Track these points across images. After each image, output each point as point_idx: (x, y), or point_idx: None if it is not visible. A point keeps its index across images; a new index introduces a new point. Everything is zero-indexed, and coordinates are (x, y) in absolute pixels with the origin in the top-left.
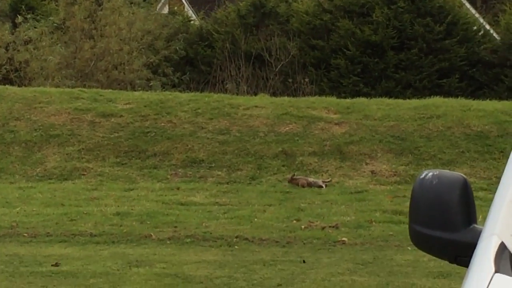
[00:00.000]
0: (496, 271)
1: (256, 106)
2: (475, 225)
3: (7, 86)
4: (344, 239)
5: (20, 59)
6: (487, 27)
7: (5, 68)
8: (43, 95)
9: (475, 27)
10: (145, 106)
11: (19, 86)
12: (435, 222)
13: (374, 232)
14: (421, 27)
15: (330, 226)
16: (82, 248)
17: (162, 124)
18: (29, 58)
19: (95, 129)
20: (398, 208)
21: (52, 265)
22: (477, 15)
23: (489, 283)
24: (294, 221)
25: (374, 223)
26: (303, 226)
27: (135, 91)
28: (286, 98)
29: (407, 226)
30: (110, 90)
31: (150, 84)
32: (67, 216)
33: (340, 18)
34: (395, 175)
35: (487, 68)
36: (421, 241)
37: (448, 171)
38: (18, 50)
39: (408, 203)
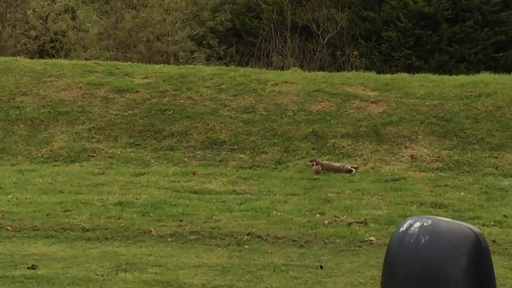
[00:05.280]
0: None
1: (285, 82)
2: None
3: (17, 57)
4: (371, 238)
5: (56, 29)
6: None
7: (43, 40)
8: (54, 68)
9: None
10: (164, 81)
11: (54, 58)
12: None
13: None
14: None
15: (357, 222)
16: (68, 246)
17: (182, 101)
18: (66, 28)
19: (108, 106)
20: (438, 200)
21: (28, 268)
22: None
23: None
24: (318, 215)
25: None
26: (326, 222)
27: (178, 63)
28: (319, 73)
29: None
30: (128, 63)
31: (194, 56)
32: (62, 206)
33: None
34: (437, 160)
35: None
36: None
37: (447, 219)
38: (55, 21)
39: (449, 194)
